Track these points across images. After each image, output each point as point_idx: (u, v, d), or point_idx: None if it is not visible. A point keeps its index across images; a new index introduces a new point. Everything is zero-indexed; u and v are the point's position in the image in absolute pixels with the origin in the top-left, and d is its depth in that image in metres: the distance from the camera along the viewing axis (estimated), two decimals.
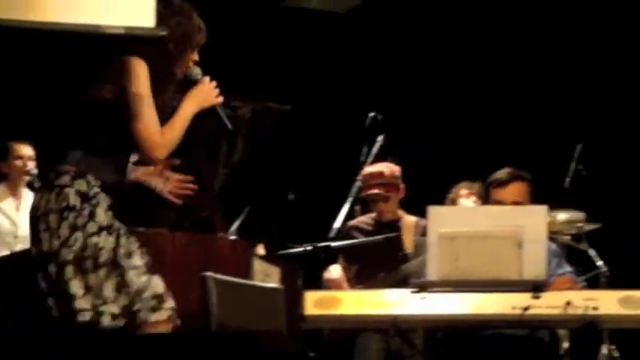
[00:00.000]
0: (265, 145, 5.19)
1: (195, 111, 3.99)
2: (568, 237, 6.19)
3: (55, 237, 3.78)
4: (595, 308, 4.63)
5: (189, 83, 4.02)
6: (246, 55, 7.27)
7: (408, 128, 7.02)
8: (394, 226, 5.77)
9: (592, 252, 6.08)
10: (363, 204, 5.96)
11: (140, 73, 3.87)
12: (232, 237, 4.84)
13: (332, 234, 5.60)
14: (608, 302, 4.65)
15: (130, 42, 3.95)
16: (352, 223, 5.85)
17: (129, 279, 3.76)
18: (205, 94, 4.02)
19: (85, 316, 3.72)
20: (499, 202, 5.19)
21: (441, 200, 5.97)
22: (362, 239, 5.69)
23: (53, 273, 3.79)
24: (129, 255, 3.80)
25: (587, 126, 7.62)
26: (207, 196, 4.68)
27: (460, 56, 7.65)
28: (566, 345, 5.34)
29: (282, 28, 7.13)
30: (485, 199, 5.41)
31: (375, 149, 6.08)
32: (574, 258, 6.29)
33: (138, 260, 3.81)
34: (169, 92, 3.97)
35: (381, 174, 5.82)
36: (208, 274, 4.15)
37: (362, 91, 7.59)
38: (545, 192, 5.32)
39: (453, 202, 6.04)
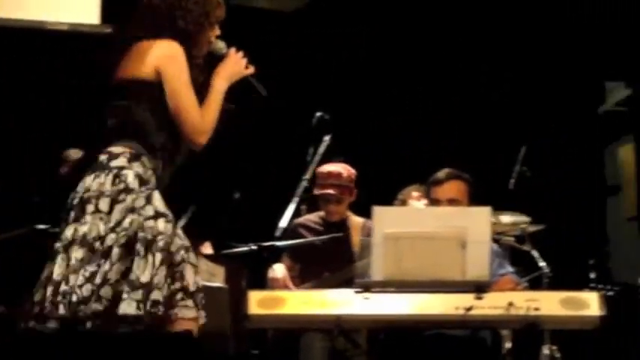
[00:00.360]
0: (211, 143, 5.17)
1: (227, 86, 3.90)
2: (512, 238, 6.25)
3: (104, 221, 3.64)
4: (537, 309, 4.66)
5: (215, 59, 3.93)
6: None
7: (355, 128, 7.04)
8: (342, 226, 5.78)
9: (535, 253, 6.14)
10: (310, 203, 5.95)
11: (181, 57, 3.79)
12: None
13: (278, 233, 5.60)
14: (550, 303, 4.69)
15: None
16: (299, 220, 5.84)
17: (183, 272, 3.65)
18: (234, 66, 3.94)
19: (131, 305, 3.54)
20: (436, 200, 5.27)
21: (385, 201, 5.98)
22: (309, 238, 5.68)
23: (78, 259, 3.60)
24: (187, 249, 3.70)
25: (532, 128, 7.69)
26: None
27: (406, 57, 7.67)
28: (508, 345, 5.39)
29: (230, 27, 7.10)
30: (427, 197, 5.47)
31: (322, 149, 6.07)
32: (517, 259, 6.35)
33: (193, 257, 3.73)
34: (193, 72, 3.84)
35: (339, 175, 5.83)
36: None
37: (309, 90, 7.59)
38: (489, 193, 5.36)
39: (403, 204, 6.06)
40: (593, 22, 7.86)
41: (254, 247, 5.31)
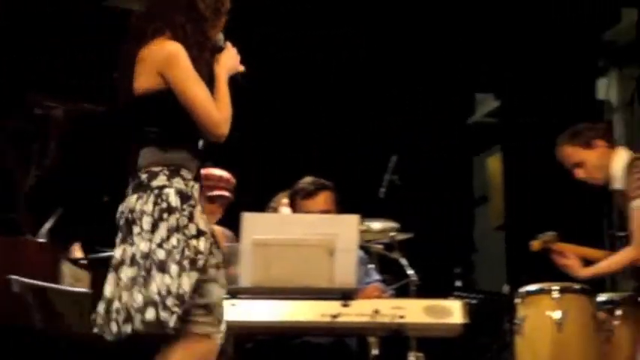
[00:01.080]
0: (79, 146, 5.09)
1: (226, 78, 3.82)
2: (381, 246, 6.31)
3: (147, 239, 3.65)
4: (402, 317, 4.74)
5: (214, 50, 3.84)
6: (67, 55, 7.13)
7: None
8: None
9: (403, 261, 6.21)
10: None
11: (181, 56, 3.69)
12: (41, 239, 4.70)
13: None
14: (414, 311, 4.77)
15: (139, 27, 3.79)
16: None
17: (210, 289, 3.71)
18: (232, 60, 3.89)
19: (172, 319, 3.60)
20: (308, 213, 5.26)
21: (251, 207, 5.96)
22: None
23: (129, 277, 3.65)
24: (218, 267, 3.74)
25: (403, 137, 7.80)
26: (15, 197, 4.56)
27: (272, 64, 7.66)
28: (375, 352, 5.43)
29: (102, 28, 7.02)
30: (293, 208, 5.47)
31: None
32: (386, 266, 6.41)
33: (222, 277, 3.76)
34: (206, 60, 3.78)
35: (229, 180, 5.79)
36: (14, 277, 4.05)
37: None
38: (360, 201, 5.41)
39: (275, 211, 6.05)
40: (465, 35, 8.01)
41: None
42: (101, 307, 3.71)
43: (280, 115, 7.89)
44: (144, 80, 3.73)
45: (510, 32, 7.85)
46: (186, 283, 3.62)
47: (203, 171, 5.71)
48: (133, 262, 3.67)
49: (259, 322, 4.68)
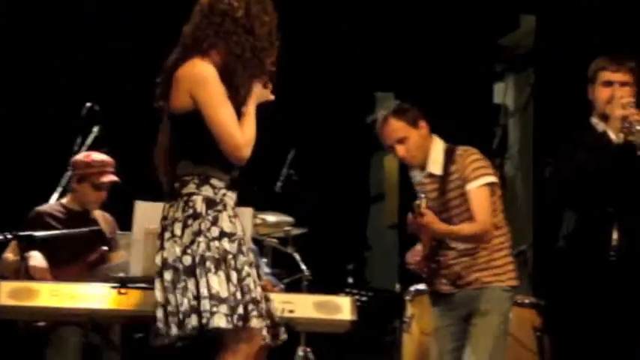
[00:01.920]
0: None
1: (255, 104, 3.95)
2: (275, 240, 6.33)
3: (179, 244, 3.84)
4: (291, 311, 4.76)
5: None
6: None
7: (125, 120, 6.94)
8: (84, 216, 5.63)
9: (297, 256, 6.24)
10: (64, 192, 5.79)
11: (208, 77, 3.83)
12: None
13: (28, 222, 5.46)
14: (304, 306, 4.79)
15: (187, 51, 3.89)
16: (43, 209, 5.63)
17: (249, 285, 3.85)
18: (264, 90, 4.00)
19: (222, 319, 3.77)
20: None
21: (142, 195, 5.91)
22: (71, 230, 5.50)
23: (169, 280, 3.85)
24: (250, 264, 3.89)
25: (301, 132, 7.81)
26: None
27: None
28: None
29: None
30: None
31: (90, 140, 5.96)
32: (280, 261, 6.43)
33: (254, 272, 3.89)
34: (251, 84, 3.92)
35: (112, 163, 5.70)
36: None
37: (79, 81, 7.45)
38: (256, 195, 5.40)
39: None
40: (366, 34, 8.06)
41: (9, 236, 5.15)
42: (159, 313, 3.89)
43: None
44: (179, 100, 3.89)
45: (411, 33, 7.92)
46: (216, 281, 3.78)
47: (83, 158, 5.68)
48: (166, 265, 3.87)
49: (149, 312, 4.62)
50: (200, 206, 3.86)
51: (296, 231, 6.34)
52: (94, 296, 4.65)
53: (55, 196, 5.77)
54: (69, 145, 5.95)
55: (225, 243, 3.84)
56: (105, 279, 4.87)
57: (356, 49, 8.13)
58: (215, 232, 3.85)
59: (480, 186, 4.66)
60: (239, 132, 3.85)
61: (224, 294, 3.78)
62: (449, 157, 4.74)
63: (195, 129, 3.87)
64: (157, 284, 3.90)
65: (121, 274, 4.80)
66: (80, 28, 7.58)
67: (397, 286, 6.76)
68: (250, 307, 3.82)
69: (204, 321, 3.77)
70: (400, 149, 4.74)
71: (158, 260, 3.90)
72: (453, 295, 4.74)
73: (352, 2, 7.80)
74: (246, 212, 4.80)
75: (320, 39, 8.07)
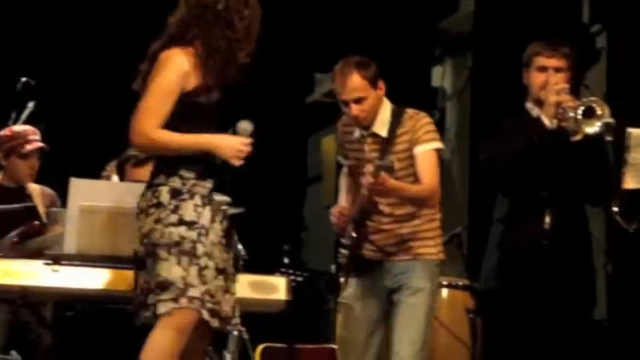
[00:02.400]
0: None
1: (206, 150, 3.98)
2: None
3: (140, 234, 3.96)
4: None
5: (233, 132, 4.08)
6: None
7: (59, 96, 6.87)
8: (19, 192, 5.57)
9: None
10: None
11: (167, 65, 3.92)
12: None
13: None
14: (240, 286, 4.75)
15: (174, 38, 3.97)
16: None
17: (208, 277, 3.92)
18: (230, 149, 4.02)
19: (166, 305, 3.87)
20: (137, 182, 5.18)
21: (82, 172, 5.86)
22: (1, 206, 5.44)
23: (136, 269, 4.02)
24: (209, 256, 3.93)
25: (239, 112, 7.77)
26: None
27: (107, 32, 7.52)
28: None
29: None
30: (121, 176, 5.40)
31: (25, 115, 5.89)
32: None
33: (212, 264, 3.94)
34: (228, 76, 4.01)
35: (35, 131, 5.64)
36: None
37: (13, 55, 7.34)
38: None
39: (108, 179, 5.94)
40: (305, 16, 8.05)
41: None
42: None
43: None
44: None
45: (351, 15, 7.93)
46: (164, 268, 3.88)
47: (5, 132, 5.61)
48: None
49: (80, 290, 4.60)
50: (165, 197, 3.95)
51: (232, 211, 6.30)
52: (27, 272, 4.60)
53: None
54: (3, 121, 5.87)
55: (182, 230, 3.90)
56: (38, 253, 4.82)
57: (295, 30, 8.11)
58: (173, 219, 3.92)
59: (431, 149, 4.56)
60: (153, 123, 3.90)
61: (171, 278, 3.86)
62: (396, 120, 4.62)
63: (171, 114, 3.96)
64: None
65: (55, 250, 4.75)
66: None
67: (333, 267, 6.77)
68: (206, 298, 3.89)
69: (149, 313, 3.91)
70: (355, 108, 4.56)
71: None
72: (381, 263, 4.64)
73: None
74: None
75: (261, 20, 8.04)
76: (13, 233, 5.25)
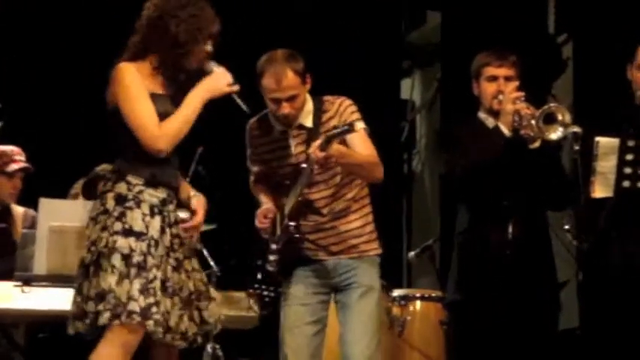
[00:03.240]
0: None
1: (206, 100, 3.99)
2: None
3: (87, 243, 3.89)
4: None
5: (199, 73, 4.02)
6: None
7: (29, 116, 6.84)
8: (4, 214, 5.55)
9: (205, 252, 6.21)
10: None
11: (125, 75, 3.92)
12: None
13: None
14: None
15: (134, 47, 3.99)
16: None
17: (156, 289, 3.85)
18: (216, 82, 4.01)
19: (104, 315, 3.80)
20: None
21: (54, 193, 5.85)
22: None
23: (79, 277, 3.91)
24: (158, 267, 3.87)
25: (211, 126, 7.75)
26: None
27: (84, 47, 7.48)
28: None
29: None
30: (89, 194, 5.37)
31: None
32: None
33: (160, 275, 3.87)
34: (181, 83, 4.00)
35: (20, 152, 5.63)
36: None
37: None
38: None
39: (75, 198, 5.93)
40: (274, 27, 8.05)
41: None
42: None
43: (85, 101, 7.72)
44: (107, 99, 4.02)
45: (318, 28, 7.93)
46: (106, 278, 3.83)
47: None
48: (80, 264, 3.94)
49: (52, 311, 4.57)
50: (110, 203, 3.90)
51: (204, 227, 6.30)
52: None
53: None
54: None
55: (132, 241, 3.84)
56: (8, 274, 4.80)
57: (267, 41, 8.09)
58: (118, 226, 3.85)
59: (361, 128, 4.33)
60: (153, 125, 3.89)
61: (107, 288, 3.79)
62: (318, 108, 4.48)
63: (114, 125, 3.97)
64: None
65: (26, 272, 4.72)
66: None
67: (258, 276, 6.75)
68: (153, 309, 3.81)
69: (88, 321, 3.83)
70: (286, 107, 4.39)
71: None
72: (321, 262, 4.52)
73: None
74: None
75: (231, 36, 8.03)
76: None
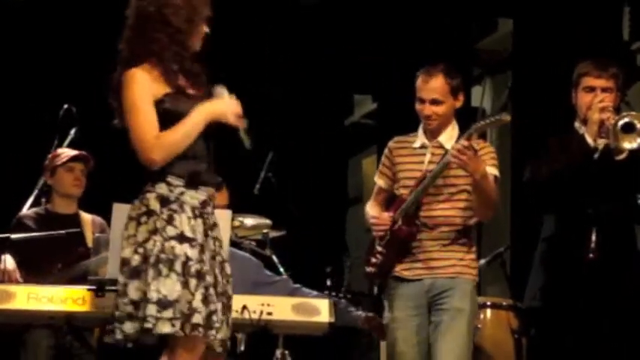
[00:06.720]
0: None
1: (208, 120, 3.90)
2: (253, 242, 6.31)
3: (131, 243, 3.82)
4: (269, 313, 4.75)
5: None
6: None
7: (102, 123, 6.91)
8: (68, 219, 5.62)
9: (275, 258, 6.23)
10: (46, 195, 5.77)
11: (131, 82, 3.84)
12: None
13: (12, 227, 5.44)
14: (282, 308, 4.78)
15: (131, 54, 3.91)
16: (23, 213, 5.64)
17: (213, 296, 3.81)
18: (224, 108, 3.93)
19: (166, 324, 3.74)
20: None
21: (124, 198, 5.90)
22: (48, 232, 5.48)
23: (121, 281, 3.82)
24: (209, 274, 3.82)
25: (280, 135, 7.80)
26: None
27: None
28: (242, 348, 5.44)
29: None
30: None
31: (67, 142, 5.95)
32: None
33: (209, 279, 3.81)
34: (185, 62, 3.91)
35: (78, 153, 5.71)
36: None
37: (56, 82, 7.41)
38: (234, 197, 5.40)
39: None
40: (345, 36, 8.07)
41: None
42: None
43: None
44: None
45: (389, 36, 7.93)
46: (167, 285, 3.74)
47: (49, 156, 5.68)
48: (122, 264, 3.86)
49: None
50: (153, 204, 3.83)
51: (274, 233, 6.32)
52: (72, 299, 4.63)
53: (30, 200, 5.74)
54: (46, 148, 5.93)
55: (187, 248, 3.79)
56: (82, 279, 4.86)
57: (334, 51, 8.13)
58: (171, 231, 3.79)
59: (491, 174, 4.56)
60: (151, 135, 3.82)
61: (172, 297, 3.73)
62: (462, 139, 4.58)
63: None
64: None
65: (99, 277, 4.78)
66: (57, 29, 7.57)
67: (375, 289, 6.74)
68: (214, 318, 3.80)
69: (148, 326, 3.75)
70: (429, 109, 4.63)
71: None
72: (421, 281, 4.64)
73: (332, 4, 7.81)
74: (225, 215, 4.78)
75: (298, 42, 8.07)
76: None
